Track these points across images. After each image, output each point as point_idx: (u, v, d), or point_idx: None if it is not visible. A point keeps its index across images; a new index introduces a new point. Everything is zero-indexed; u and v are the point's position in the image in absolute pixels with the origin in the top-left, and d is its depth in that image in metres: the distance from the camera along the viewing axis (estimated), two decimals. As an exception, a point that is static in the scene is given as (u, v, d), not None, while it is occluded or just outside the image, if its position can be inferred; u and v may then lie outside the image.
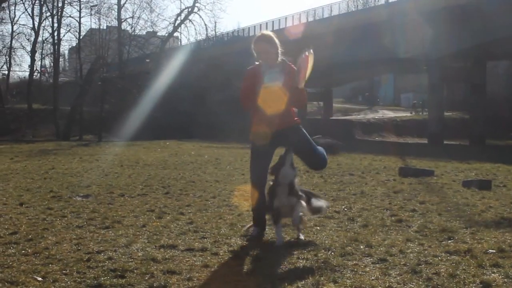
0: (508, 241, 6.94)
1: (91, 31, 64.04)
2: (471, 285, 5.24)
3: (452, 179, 14.11)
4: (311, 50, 7.11)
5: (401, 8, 43.00)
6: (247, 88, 7.17)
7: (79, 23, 63.96)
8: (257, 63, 7.29)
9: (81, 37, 60.20)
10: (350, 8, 54.07)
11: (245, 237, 7.12)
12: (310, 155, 7.38)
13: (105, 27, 61.51)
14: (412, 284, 5.25)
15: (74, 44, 65.26)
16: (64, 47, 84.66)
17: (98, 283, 5.20)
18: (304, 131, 7.33)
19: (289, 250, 6.50)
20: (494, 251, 6.42)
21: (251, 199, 7.38)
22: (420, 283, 5.29)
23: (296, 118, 7.32)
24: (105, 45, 58.90)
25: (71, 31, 61.41)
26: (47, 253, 6.24)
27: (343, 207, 9.45)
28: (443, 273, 5.56)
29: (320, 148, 7.47)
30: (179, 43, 68.92)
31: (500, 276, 5.49)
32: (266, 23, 58.17)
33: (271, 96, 7.09)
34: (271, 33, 7.36)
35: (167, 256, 6.14)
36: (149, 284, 5.17)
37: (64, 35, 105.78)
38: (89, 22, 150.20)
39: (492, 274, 5.56)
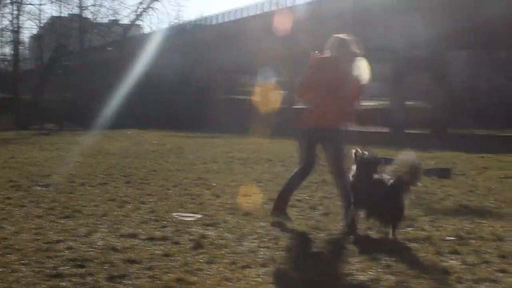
0: (466, 228, 7.04)
1: (52, 19, 63.17)
2: (429, 271, 5.31)
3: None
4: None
5: (364, -3, 43.15)
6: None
7: (40, 10, 63.38)
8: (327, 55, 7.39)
9: (41, 24, 59.45)
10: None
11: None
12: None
13: (66, 15, 60.75)
14: (372, 271, 5.30)
15: (35, 32, 64.33)
16: (25, 35, 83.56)
17: (58, 272, 5.16)
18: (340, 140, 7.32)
19: (250, 239, 6.51)
20: (452, 238, 6.52)
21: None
22: (380, 270, 5.34)
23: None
24: (67, 33, 58.15)
25: (31, 18, 60.50)
26: (5, 243, 6.17)
27: (304, 195, 9.48)
28: (402, 260, 5.62)
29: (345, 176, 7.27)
30: (142, 32, 68.42)
31: (458, 263, 5.58)
32: (230, 12, 57.93)
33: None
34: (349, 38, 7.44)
35: (127, 245, 6.11)
36: (109, 273, 5.14)
37: (24, 23, 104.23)
38: (50, 10, 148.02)
39: (450, 261, 5.64)
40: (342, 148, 7.26)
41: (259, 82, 46.20)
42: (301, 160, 7.53)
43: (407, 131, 40.56)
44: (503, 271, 5.35)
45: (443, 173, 12.39)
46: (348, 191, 7.09)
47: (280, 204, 7.54)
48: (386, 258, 5.69)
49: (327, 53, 7.36)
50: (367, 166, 6.97)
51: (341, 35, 7.43)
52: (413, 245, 6.25)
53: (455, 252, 5.95)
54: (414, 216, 7.68)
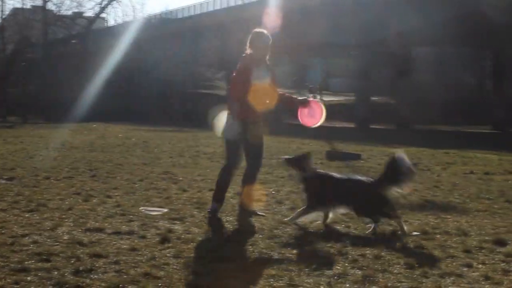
0: (431, 223, 7.11)
1: (14, 10, 62.37)
2: (395, 266, 5.36)
3: (378, 163, 14.31)
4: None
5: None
6: (242, 81, 7.37)
7: (2, 1, 62.49)
8: (244, 54, 7.48)
9: (4, 16, 58.67)
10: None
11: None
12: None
13: (29, 7, 60.02)
14: (339, 266, 5.33)
15: (-3, 23, 63.47)
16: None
17: (23, 267, 5.10)
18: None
19: (217, 233, 6.51)
20: (418, 233, 6.58)
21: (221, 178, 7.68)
22: (346, 264, 5.38)
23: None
24: (30, 25, 57.49)
25: (-7, 9, 59.59)
26: (-31, 237, 6.10)
27: (271, 190, 9.50)
28: (368, 255, 5.67)
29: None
30: (106, 25, 67.86)
31: (424, 257, 5.62)
32: (194, 5, 57.66)
33: (261, 92, 7.33)
34: (264, 31, 7.56)
35: (93, 240, 6.07)
36: (75, 268, 5.09)
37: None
38: (12, 1, 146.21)
39: (416, 256, 5.69)
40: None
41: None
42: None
43: (372, 126, 40.85)
44: (468, 265, 5.41)
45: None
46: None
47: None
48: (353, 253, 5.73)
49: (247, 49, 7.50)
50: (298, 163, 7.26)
51: (258, 30, 7.58)
52: (379, 239, 6.29)
53: (420, 247, 6.01)
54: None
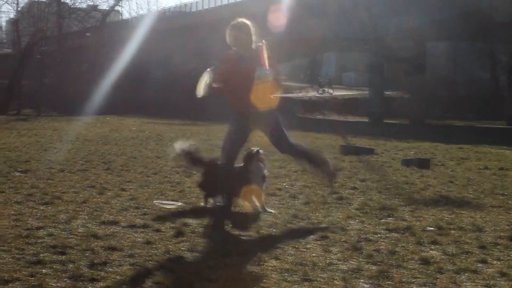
0: (446, 218, 7.08)
1: (29, 3, 62.58)
2: (410, 261, 5.34)
3: (392, 158, 14.30)
4: (264, 41, 7.22)
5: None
6: (224, 72, 7.32)
7: (17, -6, 62.93)
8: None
9: (19, 8, 58.91)
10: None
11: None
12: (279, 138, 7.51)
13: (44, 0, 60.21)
14: (353, 261, 5.32)
15: (12, 16, 63.76)
16: (2, 19, 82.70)
17: (38, 259, 5.12)
18: (276, 115, 7.45)
19: (232, 227, 6.51)
20: (432, 228, 6.55)
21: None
22: (361, 259, 5.36)
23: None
24: (44, 18, 57.67)
25: (8, 2, 59.98)
26: (-16, 229, 6.13)
27: (284, 184, 9.50)
28: (383, 250, 5.65)
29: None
30: (120, 18, 67.99)
31: (438, 253, 5.61)
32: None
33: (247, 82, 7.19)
34: (244, 20, 7.42)
35: (108, 233, 6.09)
36: (90, 261, 5.11)
37: (1, 7, 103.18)
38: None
39: (431, 251, 5.68)
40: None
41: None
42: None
43: (386, 121, 40.75)
44: (483, 261, 5.39)
45: (423, 163, 12.45)
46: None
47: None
48: (367, 248, 5.72)
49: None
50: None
51: (243, 20, 7.46)
52: (393, 235, 6.27)
53: (435, 242, 5.98)
54: (394, 206, 7.72)
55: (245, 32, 7.30)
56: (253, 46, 7.29)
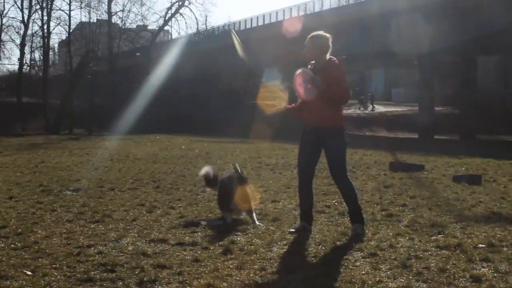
0: (498, 235, 6.95)
1: (81, 24, 63.71)
2: (461, 279, 5.25)
3: (442, 174, 14.13)
4: (233, 30, 7.36)
5: (393, 2, 42.92)
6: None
7: (69, 16, 64.45)
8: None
9: (71, 30, 60.01)
10: (341, 2, 53.99)
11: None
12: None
13: (95, 21, 61.28)
14: (402, 279, 5.25)
15: (64, 37, 64.95)
16: (54, 41, 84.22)
17: (88, 277, 5.19)
18: (342, 139, 7.22)
19: (280, 245, 6.50)
20: (484, 245, 6.43)
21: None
22: (411, 277, 5.30)
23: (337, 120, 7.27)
24: (95, 39, 58.67)
25: (61, 24, 61.07)
26: (36, 247, 6.22)
27: (333, 201, 9.45)
28: (433, 268, 5.57)
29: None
30: (170, 37, 68.80)
31: (490, 271, 5.50)
32: (257, 17, 58.04)
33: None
34: (319, 33, 7.34)
35: (157, 250, 6.13)
36: (140, 278, 5.15)
37: (53, 28, 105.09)
38: (79, 15, 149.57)
39: (482, 269, 5.57)
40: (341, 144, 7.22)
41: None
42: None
43: (436, 137, 40.34)
44: (536, 279, 5.28)
45: (474, 179, 12.27)
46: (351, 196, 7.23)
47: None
48: (417, 265, 5.65)
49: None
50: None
51: (317, 32, 7.36)
52: (444, 252, 6.18)
53: (486, 260, 5.87)
54: (445, 223, 7.61)
55: (310, 44, 7.24)
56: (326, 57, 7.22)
